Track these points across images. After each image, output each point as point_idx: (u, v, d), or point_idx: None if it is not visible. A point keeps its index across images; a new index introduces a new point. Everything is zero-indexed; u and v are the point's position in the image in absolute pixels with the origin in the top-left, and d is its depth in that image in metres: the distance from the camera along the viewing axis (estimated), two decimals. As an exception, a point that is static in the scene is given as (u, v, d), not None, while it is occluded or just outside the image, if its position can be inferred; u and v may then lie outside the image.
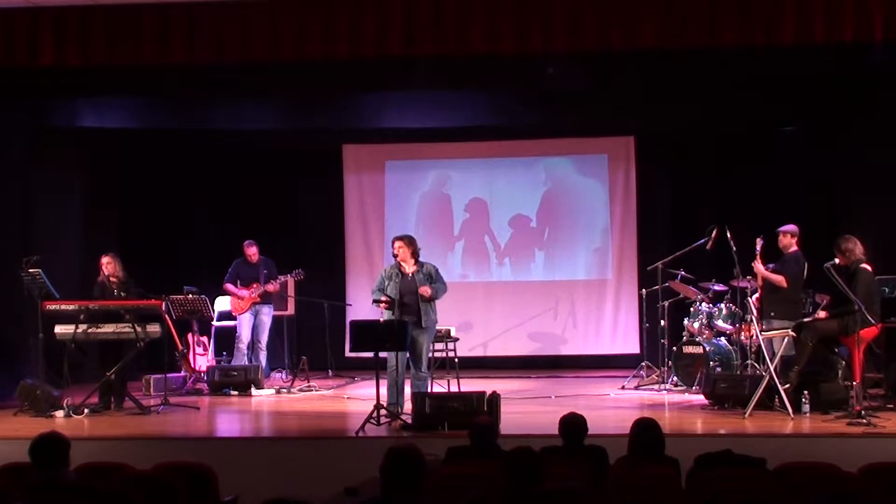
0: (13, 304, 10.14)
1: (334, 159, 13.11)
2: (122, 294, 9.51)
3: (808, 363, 8.63)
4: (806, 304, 9.57)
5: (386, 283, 8.74)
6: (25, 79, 9.45)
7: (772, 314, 9.00)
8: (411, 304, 8.63)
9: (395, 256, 8.76)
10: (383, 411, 8.18)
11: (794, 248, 9.14)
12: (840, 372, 8.72)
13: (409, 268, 8.74)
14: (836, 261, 8.33)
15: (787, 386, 8.41)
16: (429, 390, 8.77)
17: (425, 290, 8.60)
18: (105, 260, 9.64)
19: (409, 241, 8.83)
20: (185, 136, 12.34)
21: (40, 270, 9.25)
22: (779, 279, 9.02)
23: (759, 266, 9.04)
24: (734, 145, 12.29)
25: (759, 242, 9.02)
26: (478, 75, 10.14)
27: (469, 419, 6.86)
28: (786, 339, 8.66)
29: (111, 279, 9.59)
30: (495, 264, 13.03)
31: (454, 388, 9.72)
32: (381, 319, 8.66)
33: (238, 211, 12.85)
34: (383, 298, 8.63)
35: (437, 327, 9.30)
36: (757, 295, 9.20)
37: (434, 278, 8.76)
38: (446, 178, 13.11)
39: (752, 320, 8.92)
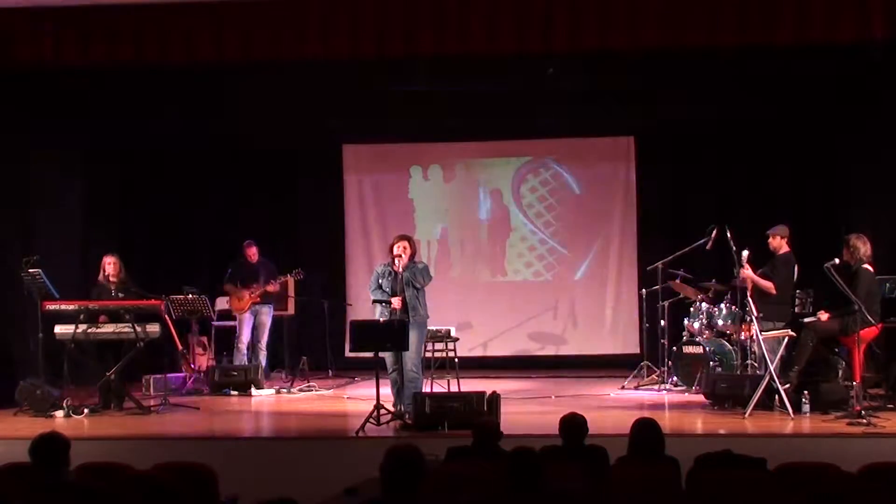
0: (13, 304, 10.13)
1: (334, 159, 13.12)
2: (121, 295, 9.50)
3: (808, 363, 8.63)
4: (806, 303, 9.54)
5: (380, 280, 8.74)
6: (26, 79, 9.46)
7: (760, 315, 8.93)
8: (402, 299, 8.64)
9: (398, 257, 8.70)
10: (383, 411, 8.18)
11: (785, 248, 9.10)
12: (840, 372, 8.71)
13: (401, 266, 8.70)
14: (836, 260, 8.31)
15: (787, 386, 8.40)
16: (421, 390, 8.71)
17: (398, 302, 8.57)
18: (107, 260, 9.62)
19: (412, 242, 8.84)
20: (185, 136, 12.33)
21: (40, 270, 9.25)
22: (767, 285, 8.97)
23: (748, 272, 8.97)
24: (734, 145, 12.28)
25: (745, 254, 8.96)
26: (478, 75, 10.14)
27: (469, 419, 6.84)
28: (786, 339, 8.64)
29: (111, 279, 9.58)
30: (495, 264, 13.03)
31: (454, 388, 9.70)
32: (381, 319, 8.65)
33: (238, 211, 12.84)
34: (390, 300, 8.62)
35: (437, 327, 9.28)
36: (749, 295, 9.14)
37: (420, 272, 8.72)
38: (446, 178, 13.10)
39: (752, 320, 8.91)
